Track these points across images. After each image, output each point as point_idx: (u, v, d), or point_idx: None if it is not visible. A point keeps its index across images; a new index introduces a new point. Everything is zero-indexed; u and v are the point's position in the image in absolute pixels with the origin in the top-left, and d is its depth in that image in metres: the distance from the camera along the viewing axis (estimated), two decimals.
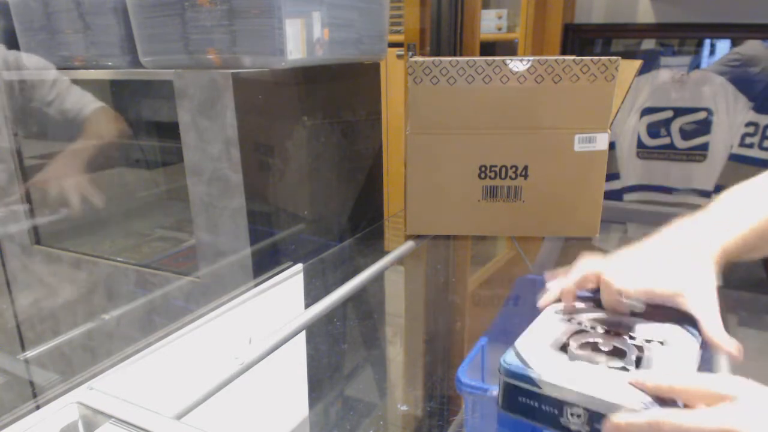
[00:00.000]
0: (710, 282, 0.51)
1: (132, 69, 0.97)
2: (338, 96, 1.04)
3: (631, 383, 0.43)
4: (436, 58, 0.87)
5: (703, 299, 0.50)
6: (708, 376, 0.40)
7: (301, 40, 0.86)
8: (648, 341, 0.50)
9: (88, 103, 1.13)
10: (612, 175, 1.83)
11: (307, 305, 0.77)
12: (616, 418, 0.40)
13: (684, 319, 0.52)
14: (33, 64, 1.09)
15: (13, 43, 1.09)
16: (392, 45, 1.41)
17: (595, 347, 0.49)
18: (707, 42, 1.79)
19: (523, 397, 0.47)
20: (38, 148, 1.17)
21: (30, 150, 1.15)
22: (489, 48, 2.32)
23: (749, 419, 0.35)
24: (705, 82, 1.70)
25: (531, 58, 0.86)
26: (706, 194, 1.74)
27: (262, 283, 0.74)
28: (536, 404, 0.46)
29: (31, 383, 1.04)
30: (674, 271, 0.52)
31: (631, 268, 0.54)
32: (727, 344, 0.47)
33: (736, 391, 0.37)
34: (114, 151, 1.19)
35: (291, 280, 0.79)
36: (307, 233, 0.99)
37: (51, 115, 1.12)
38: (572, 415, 0.44)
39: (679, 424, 0.37)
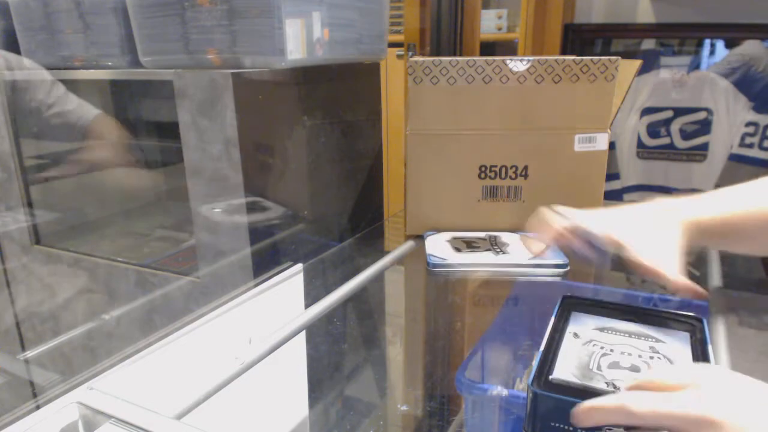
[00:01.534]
0: (666, 240, 0.52)
1: (132, 69, 0.97)
2: (338, 96, 1.04)
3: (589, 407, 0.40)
4: (436, 58, 0.87)
5: (654, 252, 0.51)
6: (671, 367, 0.39)
7: (301, 40, 0.86)
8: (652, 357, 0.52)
9: (90, 110, 1.14)
10: (612, 175, 1.83)
11: (307, 305, 0.77)
12: (587, 402, 0.40)
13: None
14: (27, 67, 1.10)
15: (13, 44, 1.09)
16: (392, 45, 1.41)
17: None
18: (707, 42, 1.79)
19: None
20: (35, 150, 1.17)
21: (27, 151, 1.15)
22: (489, 48, 2.32)
23: (717, 403, 0.35)
24: (705, 82, 1.70)
25: (531, 58, 0.86)
26: None
27: (262, 283, 0.74)
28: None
29: (31, 383, 1.04)
30: (633, 224, 0.53)
31: (597, 214, 0.56)
32: (687, 286, 0.49)
33: (699, 379, 0.37)
34: (121, 153, 1.20)
35: (291, 280, 0.79)
36: (307, 233, 0.99)
37: (50, 118, 1.13)
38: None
39: (649, 408, 0.36)
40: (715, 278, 0.78)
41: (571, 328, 0.57)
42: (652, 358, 0.51)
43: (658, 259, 0.51)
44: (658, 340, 0.54)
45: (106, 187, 1.23)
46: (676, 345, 0.53)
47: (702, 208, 0.55)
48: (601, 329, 0.57)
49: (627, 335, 0.55)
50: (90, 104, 1.14)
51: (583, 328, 0.57)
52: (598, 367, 0.50)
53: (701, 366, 0.39)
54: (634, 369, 0.49)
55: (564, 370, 0.49)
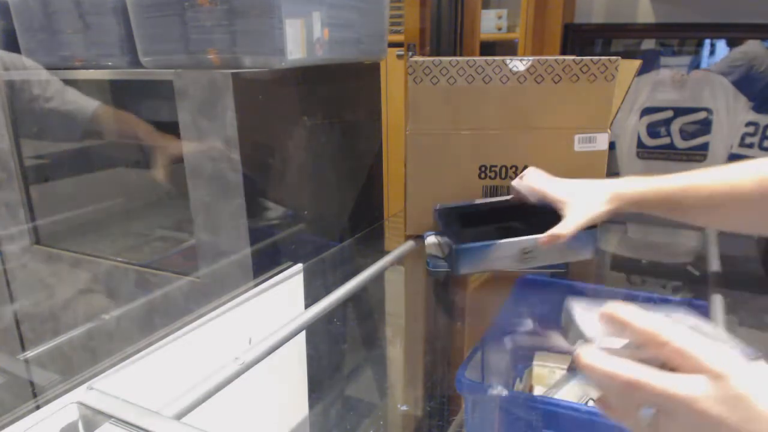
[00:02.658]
0: (592, 204, 0.69)
1: (132, 69, 0.97)
2: (338, 96, 1.04)
3: (605, 314, 0.40)
4: (436, 58, 0.87)
5: (576, 210, 0.69)
6: (699, 341, 0.36)
7: (301, 40, 0.86)
8: None
9: (89, 101, 1.13)
10: (612, 175, 1.83)
11: (307, 305, 0.77)
12: (590, 356, 0.38)
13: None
14: (24, 66, 1.09)
15: (13, 44, 1.09)
16: (392, 45, 1.41)
17: None
18: (707, 42, 1.79)
19: None
20: (34, 149, 1.17)
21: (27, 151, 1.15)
22: (489, 48, 2.32)
23: (725, 405, 0.32)
24: (705, 82, 1.70)
25: (531, 58, 0.86)
26: None
27: (262, 283, 0.74)
28: None
29: (31, 383, 1.04)
30: (571, 188, 0.73)
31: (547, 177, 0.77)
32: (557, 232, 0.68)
33: (725, 368, 0.34)
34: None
35: (291, 280, 0.79)
36: (307, 233, 0.99)
37: (49, 113, 1.12)
38: None
39: (654, 387, 0.34)
40: (715, 278, 0.78)
41: (578, 320, 0.55)
42: None
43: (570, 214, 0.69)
44: None
45: (106, 186, 1.23)
46: None
47: (641, 184, 0.69)
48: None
49: None
50: (88, 96, 1.13)
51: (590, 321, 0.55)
52: None
53: (728, 356, 0.35)
54: None
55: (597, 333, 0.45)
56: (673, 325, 0.37)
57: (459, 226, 0.86)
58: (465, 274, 0.82)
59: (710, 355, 0.34)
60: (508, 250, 0.80)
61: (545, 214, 0.86)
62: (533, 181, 0.78)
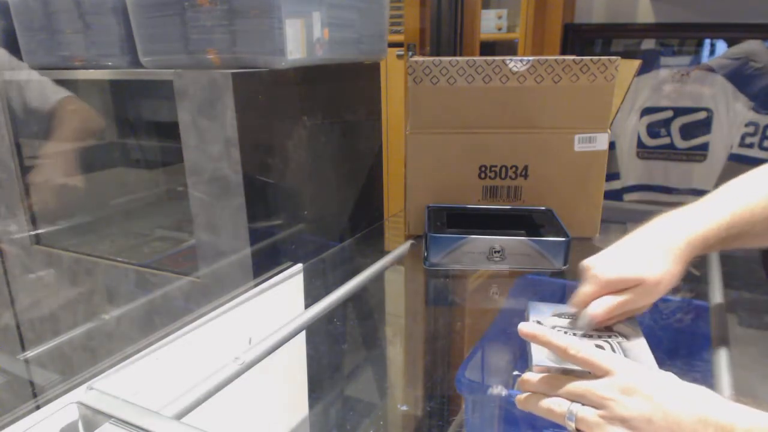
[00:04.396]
0: (666, 275, 0.56)
1: (132, 69, 0.97)
2: (338, 96, 1.04)
3: (524, 333, 0.52)
4: (436, 58, 0.87)
5: (651, 292, 0.56)
6: (595, 350, 0.49)
7: (301, 40, 0.86)
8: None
9: (54, 92, 1.09)
10: (612, 175, 1.83)
11: (307, 305, 0.77)
12: (527, 375, 0.52)
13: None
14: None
15: (13, 44, 1.09)
16: (392, 45, 1.41)
17: None
18: (707, 42, 1.79)
19: None
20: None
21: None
22: (489, 48, 2.32)
23: (621, 395, 0.45)
24: (705, 81, 1.70)
25: (531, 58, 0.86)
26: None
27: (262, 283, 0.74)
28: None
29: (31, 383, 1.04)
30: (639, 263, 0.57)
31: (609, 258, 0.59)
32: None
33: (615, 367, 0.47)
34: (96, 142, 1.16)
35: (291, 280, 0.79)
36: (307, 233, 0.99)
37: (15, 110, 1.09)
38: None
39: (570, 388, 0.48)
40: (715, 278, 0.78)
41: (533, 317, 0.61)
42: (610, 336, 0.56)
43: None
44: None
45: (106, 186, 1.23)
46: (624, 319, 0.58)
47: (692, 227, 0.58)
48: (559, 315, 0.61)
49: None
50: (59, 87, 1.09)
51: (542, 316, 0.62)
52: None
53: (617, 357, 0.49)
54: (598, 348, 0.53)
55: (542, 356, 0.53)
56: (578, 341, 0.50)
57: (447, 226, 0.86)
58: (436, 267, 0.84)
59: (605, 359, 0.48)
60: (478, 247, 0.81)
61: (537, 227, 0.86)
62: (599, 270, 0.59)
